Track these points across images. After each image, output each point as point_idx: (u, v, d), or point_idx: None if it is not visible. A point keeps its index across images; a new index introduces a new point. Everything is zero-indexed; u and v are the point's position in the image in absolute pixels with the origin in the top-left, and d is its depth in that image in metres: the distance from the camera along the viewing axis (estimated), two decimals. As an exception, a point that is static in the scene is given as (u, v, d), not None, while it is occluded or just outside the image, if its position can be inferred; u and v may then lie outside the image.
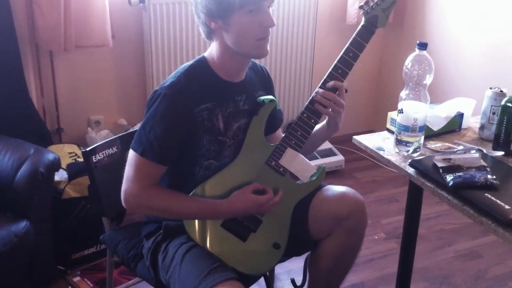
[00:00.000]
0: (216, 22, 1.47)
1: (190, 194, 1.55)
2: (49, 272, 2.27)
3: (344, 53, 1.54)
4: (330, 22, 3.40)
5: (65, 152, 2.54)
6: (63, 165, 2.34)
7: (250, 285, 1.64)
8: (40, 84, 2.77)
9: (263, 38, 1.48)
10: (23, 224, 1.97)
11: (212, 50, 1.55)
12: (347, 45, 1.54)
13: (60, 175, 2.32)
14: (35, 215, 2.05)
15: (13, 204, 2.03)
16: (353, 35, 1.54)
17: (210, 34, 1.52)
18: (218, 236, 1.57)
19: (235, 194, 1.54)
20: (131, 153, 1.51)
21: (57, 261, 2.31)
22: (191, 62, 1.56)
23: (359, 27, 1.54)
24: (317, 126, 1.68)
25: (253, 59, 1.62)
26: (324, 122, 1.68)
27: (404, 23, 3.42)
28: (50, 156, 2.11)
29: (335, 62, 1.55)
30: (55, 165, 2.12)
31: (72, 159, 2.49)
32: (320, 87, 1.55)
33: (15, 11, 2.53)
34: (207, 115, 1.51)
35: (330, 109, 1.56)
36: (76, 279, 2.30)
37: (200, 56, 1.57)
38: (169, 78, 1.52)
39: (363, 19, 1.54)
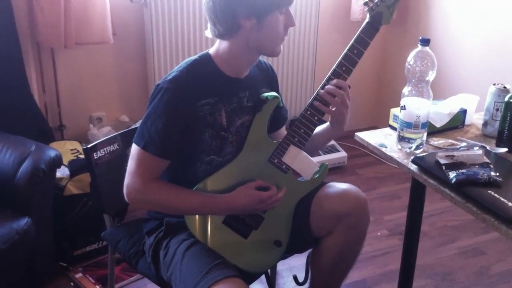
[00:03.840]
0: (250, 20, 1.44)
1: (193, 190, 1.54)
2: (51, 268, 2.27)
3: (348, 50, 1.53)
4: (333, 19, 3.39)
5: (67, 149, 2.54)
6: (65, 161, 2.34)
7: (252, 282, 1.63)
8: (41, 81, 2.77)
9: (283, 39, 1.51)
10: (24, 221, 1.97)
11: (220, 48, 1.52)
12: (352, 42, 1.53)
13: (62, 172, 2.32)
14: (37, 212, 2.05)
15: (14, 201, 2.03)
16: (358, 32, 1.53)
17: (230, 33, 1.47)
18: (219, 233, 1.57)
19: (237, 190, 1.53)
20: (133, 147, 1.50)
21: (59, 257, 2.32)
22: (194, 57, 1.54)
23: (364, 23, 1.53)
24: (321, 126, 1.67)
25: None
26: (328, 122, 1.67)
27: (407, 19, 3.40)
28: (52, 153, 2.11)
29: (339, 59, 1.54)
30: (57, 162, 2.12)
31: (74, 156, 2.49)
32: (324, 84, 1.55)
33: (16, 7, 2.53)
34: (209, 110, 1.50)
35: (333, 108, 1.56)
36: (78, 275, 2.30)
37: (204, 52, 1.56)
38: (172, 72, 1.51)
39: (367, 15, 1.53)
